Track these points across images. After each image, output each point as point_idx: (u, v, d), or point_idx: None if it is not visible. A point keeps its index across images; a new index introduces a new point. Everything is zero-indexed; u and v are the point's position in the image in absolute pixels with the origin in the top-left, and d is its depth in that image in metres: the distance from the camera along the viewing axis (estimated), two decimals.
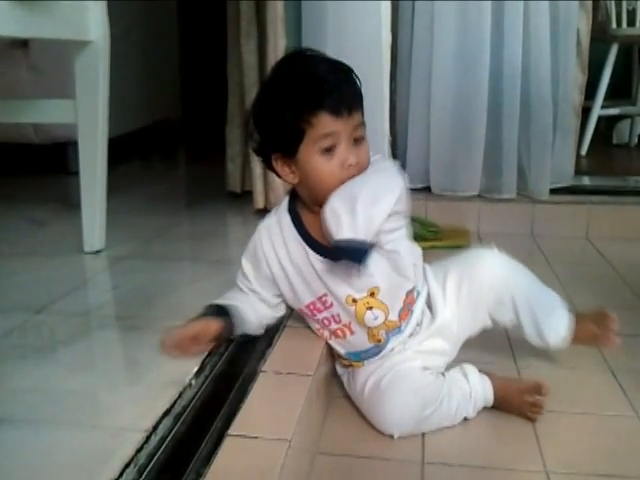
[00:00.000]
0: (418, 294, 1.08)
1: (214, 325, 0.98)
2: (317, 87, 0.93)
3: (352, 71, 0.99)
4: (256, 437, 0.80)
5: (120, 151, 2.43)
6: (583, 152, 2.65)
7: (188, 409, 0.87)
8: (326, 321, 1.06)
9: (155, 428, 0.82)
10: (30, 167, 2.62)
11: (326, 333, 1.08)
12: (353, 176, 0.96)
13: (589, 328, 1.15)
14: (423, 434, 1.02)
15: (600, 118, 2.74)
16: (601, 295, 1.57)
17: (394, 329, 1.05)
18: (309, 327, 1.11)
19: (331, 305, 1.03)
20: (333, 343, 1.09)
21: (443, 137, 2.09)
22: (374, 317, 1.03)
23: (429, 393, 1.02)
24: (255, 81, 1.87)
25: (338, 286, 1.01)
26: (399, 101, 2.14)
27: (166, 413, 0.85)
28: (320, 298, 1.03)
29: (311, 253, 1.01)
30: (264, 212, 1.87)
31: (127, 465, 0.75)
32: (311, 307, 1.05)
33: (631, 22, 2.65)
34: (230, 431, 0.81)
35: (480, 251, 1.19)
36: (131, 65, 2.86)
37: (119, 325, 1.21)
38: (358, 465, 0.96)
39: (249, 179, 1.99)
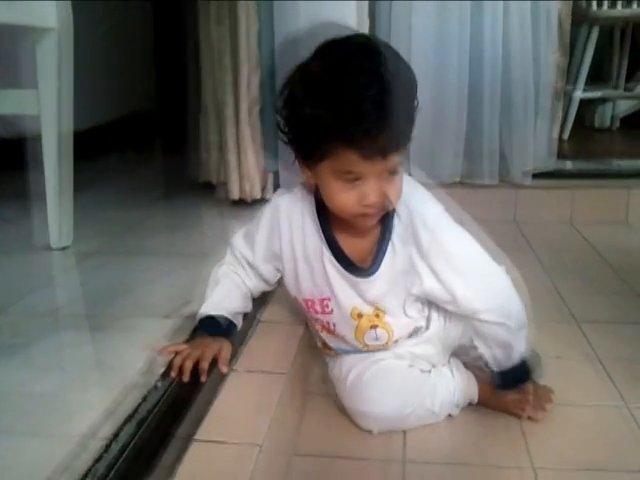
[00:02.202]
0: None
1: (228, 346, 0.94)
2: (355, 121, 0.77)
3: (413, 86, 0.83)
4: (224, 442, 0.76)
5: (94, 143, 2.37)
6: (565, 136, 2.62)
7: (152, 413, 0.81)
8: (319, 322, 1.01)
9: (116, 435, 0.76)
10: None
11: (318, 326, 1.03)
12: (371, 213, 0.86)
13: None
14: (404, 431, 0.98)
15: (581, 101, 2.71)
16: (587, 281, 1.54)
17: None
18: (284, 322, 1.06)
19: (331, 312, 0.98)
20: (324, 336, 1.03)
21: (423, 123, 2.02)
22: (375, 337, 0.98)
23: (412, 389, 0.98)
24: (227, 67, 1.81)
25: (345, 293, 0.95)
26: None
27: (128, 418, 0.79)
28: (322, 301, 0.97)
29: (327, 253, 0.94)
30: (239, 203, 1.82)
31: (84, 476, 0.69)
32: (309, 303, 0.99)
33: (612, 4, 2.61)
34: (197, 436, 0.77)
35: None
36: (104, 55, 2.78)
37: (85, 325, 1.15)
38: (337, 466, 0.92)
39: (224, 169, 1.93)
